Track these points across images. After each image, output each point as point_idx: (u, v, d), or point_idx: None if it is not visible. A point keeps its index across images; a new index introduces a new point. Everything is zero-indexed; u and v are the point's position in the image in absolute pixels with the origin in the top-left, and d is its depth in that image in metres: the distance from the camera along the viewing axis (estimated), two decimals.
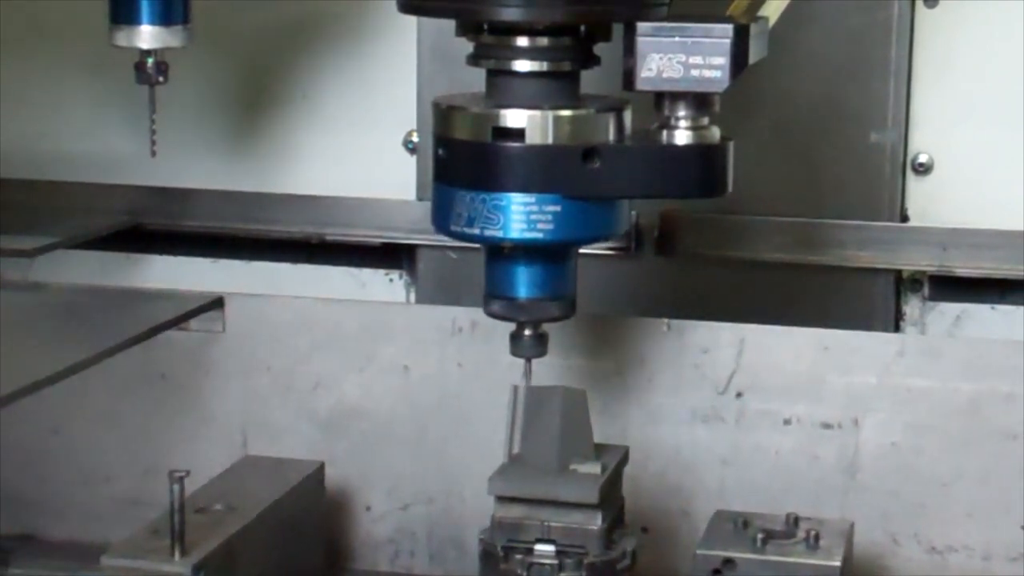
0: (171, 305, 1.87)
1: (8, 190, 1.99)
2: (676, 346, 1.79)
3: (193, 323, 1.88)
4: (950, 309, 1.88)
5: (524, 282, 1.53)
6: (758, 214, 1.86)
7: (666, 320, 1.78)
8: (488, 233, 1.48)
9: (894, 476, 1.76)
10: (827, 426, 1.77)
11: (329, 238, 1.99)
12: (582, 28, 1.47)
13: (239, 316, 1.89)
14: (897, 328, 1.87)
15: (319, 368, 1.87)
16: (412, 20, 1.82)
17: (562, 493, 1.53)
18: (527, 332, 1.55)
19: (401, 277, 2.00)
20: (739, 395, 1.78)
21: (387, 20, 1.89)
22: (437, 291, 1.94)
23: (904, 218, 1.86)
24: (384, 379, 1.86)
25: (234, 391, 1.90)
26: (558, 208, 1.47)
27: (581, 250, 1.56)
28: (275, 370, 1.89)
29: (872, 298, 1.87)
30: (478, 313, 1.72)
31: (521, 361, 1.56)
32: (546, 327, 1.56)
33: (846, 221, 1.85)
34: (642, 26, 1.42)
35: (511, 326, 1.55)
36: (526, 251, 1.51)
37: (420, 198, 1.92)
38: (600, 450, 1.58)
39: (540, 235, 1.47)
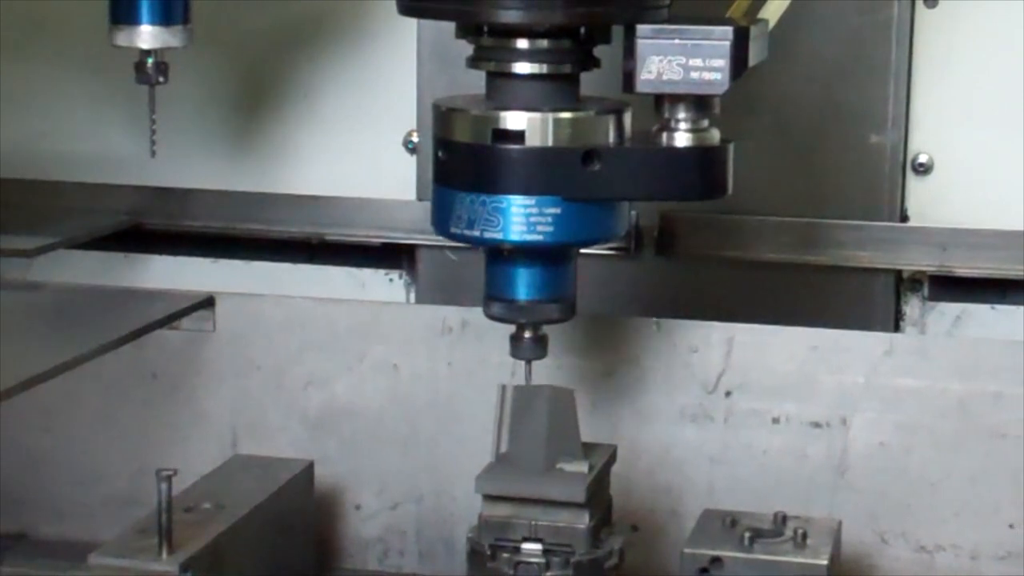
0: (162, 304, 1.87)
1: (8, 190, 1.99)
2: (666, 345, 1.79)
3: (184, 322, 1.88)
4: (950, 309, 1.88)
5: (524, 284, 1.53)
6: (758, 214, 1.86)
7: (655, 319, 1.78)
8: (488, 235, 1.48)
9: (883, 475, 1.76)
10: (816, 425, 1.77)
11: (329, 238, 1.99)
12: (582, 30, 1.47)
13: (230, 315, 1.89)
14: (897, 328, 1.87)
15: (309, 367, 1.88)
16: (412, 21, 1.82)
17: (549, 492, 1.53)
18: (527, 334, 1.55)
19: (401, 277, 2.00)
20: (728, 394, 1.78)
21: (387, 20, 1.89)
22: (437, 291, 1.94)
23: (904, 218, 1.86)
24: (374, 378, 1.86)
25: (225, 390, 1.90)
26: (558, 210, 1.47)
27: (581, 251, 1.56)
28: (265, 369, 1.89)
29: (872, 298, 1.88)
30: (468, 312, 1.74)
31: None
32: (542, 328, 1.56)
33: (846, 221, 1.85)
34: (642, 28, 1.43)
35: (501, 326, 1.55)
36: (526, 253, 1.51)
37: (420, 198, 1.93)
38: (588, 449, 1.58)
39: (540, 237, 1.47)
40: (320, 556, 1.84)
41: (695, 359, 1.78)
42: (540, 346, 1.56)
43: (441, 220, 1.51)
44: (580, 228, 1.49)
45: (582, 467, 1.55)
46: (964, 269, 1.85)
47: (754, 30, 1.44)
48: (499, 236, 1.48)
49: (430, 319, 1.84)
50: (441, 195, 1.51)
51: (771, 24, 1.50)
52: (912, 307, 1.89)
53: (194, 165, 2.00)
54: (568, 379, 1.73)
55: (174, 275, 2.02)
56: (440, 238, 1.54)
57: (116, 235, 2.01)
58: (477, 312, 1.74)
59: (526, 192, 1.46)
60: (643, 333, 1.78)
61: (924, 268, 1.86)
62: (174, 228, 2.02)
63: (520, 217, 1.47)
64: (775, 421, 1.78)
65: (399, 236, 1.96)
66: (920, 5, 1.82)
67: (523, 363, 1.57)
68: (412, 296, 1.98)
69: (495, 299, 1.54)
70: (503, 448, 1.58)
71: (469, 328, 1.82)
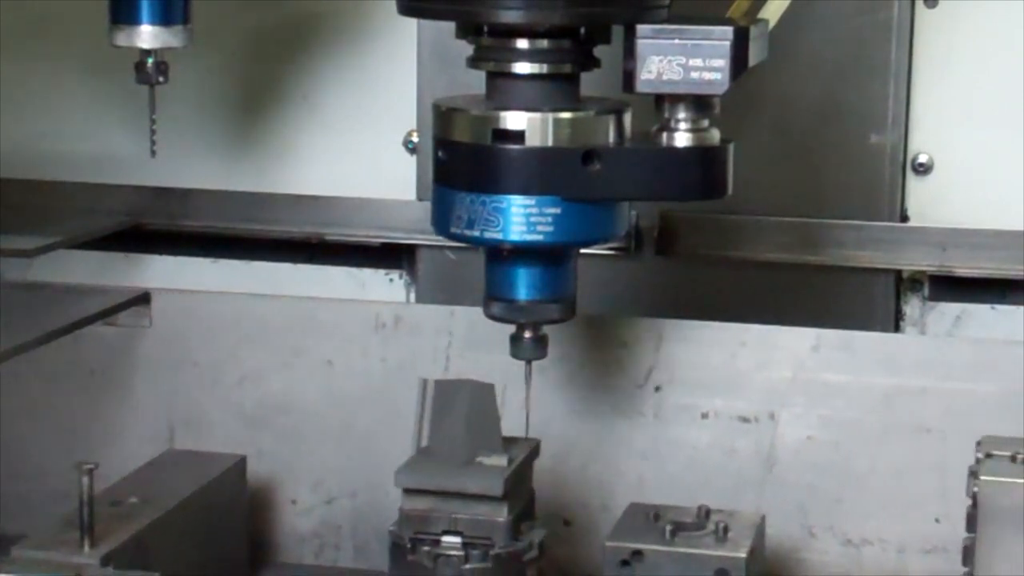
0: (99, 300, 1.89)
1: (8, 190, 1.99)
2: (597, 340, 1.79)
3: (121, 318, 1.90)
4: (950, 309, 1.88)
5: (524, 284, 1.53)
6: (758, 214, 1.86)
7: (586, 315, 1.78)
8: (488, 235, 1.48)
9: (810, 470, 1.78)
10: (744, 420, 1.78)
11: (329, 238, 1.99)
12: (582, 30, 1.47)
13: (166, 311, 1.91)
14: (897, 328, 1.87)
15: (245, 363, 1.89)
16: (412, 21, 1.82)
17: (468, 485, 1.54)
18: (527, 334, 1.55)
19: (401, 277, 2.00)
20: (658, 389, 1.79)
21: (387, 20, 1.88)
22: (437, 291, 1.94)
23: (904, 218, 1.86)
24: (310, 374, 1.88)
25: (161, 386, 1.92)
26: (558, 210, 1.47)
27: (581, 251, 1.56)
28: (202, 365, 1.90)
29: (872, 298, 1.88)
30: (401, 308, 1.78)
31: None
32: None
33: (846, 221, 1.85)
34: (642, 28, 1.43)
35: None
36: (526, 253, 1.51)
37: (420, 198, 1.92)
38: (509, 443, 1.59)
39: (540, 237, 1.47)
40: (256, 551, 1.86)
41: (625, 354, 1.79)
42: (540, 346, 1.56)
43: (441, 220, 1.51)
44: (580, 228, 1.49)
45: (501, 461, 1.56)
46: (964, 269, 1.85)
47: (754, 30, 1.44)
48: (499, 236, 1.48)
49: (364, 314, 1.86)
50: (441, 195, 1.51)
51: (771, 24, 1.50)
52: (912, 307, 1.89)
53: (194, 165, 2.00)
54: (494, 376, 1.73)
55: (174, 275, 2.02)
56: (440, 238, 1.54)
57: (116, 235, 2.01)
58: (410, 308, 1.79)
59: (526, 192, 1.47)
60: (574, 328, 1.78)
61: (924, 268, 1.86)
62: (174, 228, 2.02)
63: (520, 217, 1.47)
64: (704, 416, 1.79)
65: (399, 236, 1.96)
66: (920, 5, 1.82)
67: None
68: (412, 296, 1.98)
69: (495, 299, 1.54)
70: (424, 442, 1.59)
71: (402, 323, 1.84)
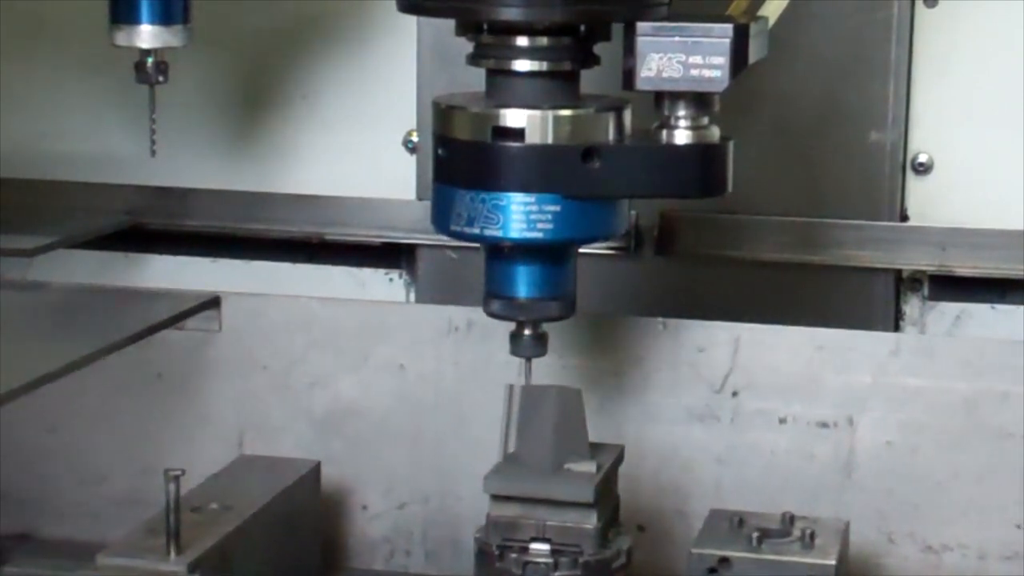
0: (167, 304, 1.87)
1: (8, 190, 1.99)
2: (672, 345, 1.79)
3: (189, 322, 1.88)
4: (950, 309, 1.88)
5: (524, 282, 1.53)
6: (758, 214, 1.86)
7: (661, 319, 1.78)
8: (488, 233, 1.48)
9: (890, 475, 1.76)
10: (823, 425, 1.77)
11: (329, 238, 1.99)
12: (582, 28, 1.47)
13: (235, 315, 1.89)
14: (897, 328, 1.87)
15: (315, 367, 1.87)
16: (412, 20, 1.82)
17: (557, 492, 1.53)
18: (527, 332, 1.55)
19: (401, 277, 2.00)
20: (735, 394, 1.78)
21: (387, 20, 1.89)
22: (437, 291, 1.94)
23: (904, 218, 1.86)
24: (380, 378, 1.86)
25: (230, 390, 1.90)
26: (558, 208, 1.47)
27: (581, 249, 1.56)
28: (271, 369, 1.88)
29: (872, 298, 1.88)
30: (474, 312, 1.73)
31: (517, 360, 1.56)
32: (545, 326, 1.56)
33: (846, 221, 1.85)
34: (642, 26, 1.43)
35: (508, 325, 1.55)
36: (526, 251, 1.51)
37: (420, 198, 1.92)
38: (595, 449, 1.58)
39: (540, 235, 1.47)
40: (326, 556, 1.84)
41: (701, 359, 1.78)
42: (540, 344, 1.56)
43: (441, 218, 1.51)
44: (580, 226, 1.49)
45: (590, 467, 1.55)
46: (964, 269, 1.85)
47: (754, 27, 1.44)
48: (499, 234, 1.48)
49: (436, 319, 1.84)
50: (441, 193, 1.51)
51: (771, 22, 1.50)
52: (912, 307, 1.89)
53: (194, 165, 2.00)
54: (575, 379, 1.73)
55: (174, 275, 2.02)
56: (440, 238, 1.54)
57: (116, 235, 2.01)
58: (482, 312, 1.74)
59: (526, 190, 1.46)
60: (649, 333, 1.78)
61: (924, 268, 1.86)
62: (174, 228, 2.02)
63: (520, 215, 1.47)
64: (782, 421, 1.77)
65: (399, 236, 1.96)
66: (920, 4, 1.82)
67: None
68: (412, 296, 1.98)
69: (495, 297, 1.54)
70: (511, 448, 1.58)
71: (475, 328, 1.82)
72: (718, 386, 1.78)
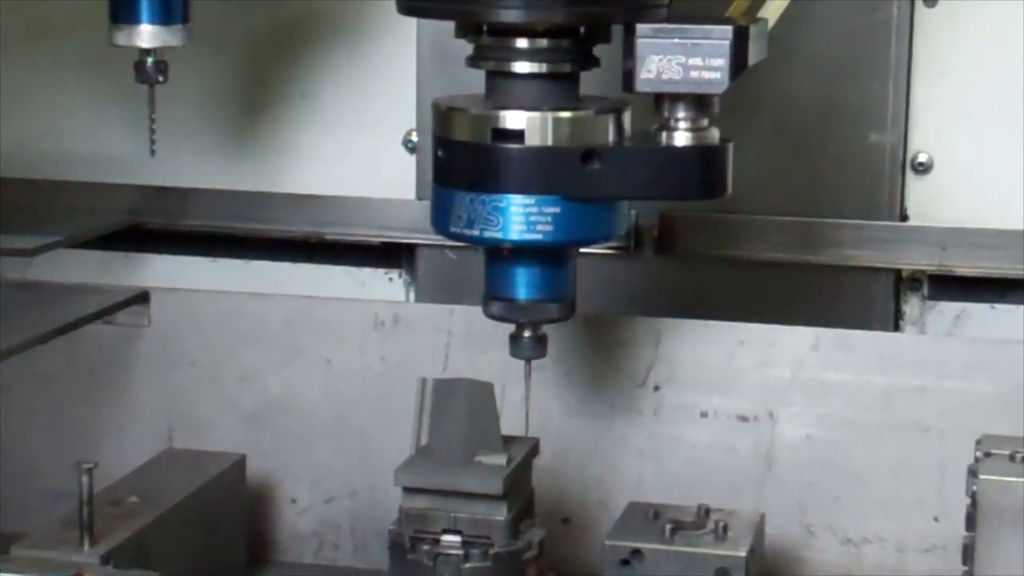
0: (96, 299, 1.89)
1: (8, 190, 1.99)
2: (595, 339, 1.79)
3: (119, 317, 1.89)
4: (950, 308, 1.88)
5: (523, 283, 1.53)
6: (758, 214, 1.86)
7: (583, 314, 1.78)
8: (487, 234, 1.48)
9: (809, 468, 1.77)
10: (743, 419, 1.78)
11: (329, 238, 1.99)
12: (581, 30, 1.47)
13: (165, 310, 1.90)
14: (897, 328, 1.87)
15: (243, 362, 1.89)
16: (412, 20, 1.82)
17: (467, 484, 1.54)
18: (526, 333, 1.55)
19: (401, 276, 2.00)
20: (657, 388, 1.79)
21: (387, 20, 1.88)
22: (436, 291, 1.94)
23: (904, 217, 1.86)
24: (308, 373, 1.88)
25: (160, 385, 1.91)
26: (557, 210, 1.47)
27: (580, 250, 1.56)
28: (200, 364, 1.90)
29: (872, 297, 1.88)
30: (400, 307, 1.77)
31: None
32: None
33: (846, 220, 1.85)
34: (641, 28, 1.43)
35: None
36: (525, 252, 1.51)
37: (420, 198, 1.92)
38: (508, 442, 1.59)
39: (539, 236, 1.47)
40: (255, 549, 1.86)
41: (624, 353, 1.79)
42: (540, 345, 1.56)
43: (441, 219, 1.51)
44: (579, 227, 1.49)
45: (501, 459, 1.56)
46: (964, 268, 1.85)
47: (753, 29, 1.44)
48: (499, 235, 1.48)
49: (363, 313, 1.86)
50: (441, 194, 1.51)
51: (770, 23, 1.50)
52: (912, 306, 1.89)
53: (194, 165, 2.00)
54: (495, 374, 1.73)
55: (174, 275, 2.02)
56: (440, 237, 1.54)
57: (116, 235, 2.01)
58: (409, 307, 1.78)
59: (525, 191, 1.47)
60: (573, 327, 1.78)
61: (924, 267, 1.86)
62: (174, 228, 2.02)
63: (520, 216, 1.47)
64: (703, 415, 1.79)
65: (399, 235, 1.96)
66: (920, 5, 1.82)
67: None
68: (412, 295, 1.98)
69: (495, 298, 1.54)
70: (423, 441, 1.59)
71: (401, 322, 1.83)
72: (640, 380, 1.79)
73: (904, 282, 1.89)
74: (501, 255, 1.52)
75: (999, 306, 1.87)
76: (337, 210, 1.97)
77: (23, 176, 2.02)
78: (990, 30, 1.81)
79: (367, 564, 1.87)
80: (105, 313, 1.87)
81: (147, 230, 2.03)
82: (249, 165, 2.00)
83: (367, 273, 2.01)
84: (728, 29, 1.42)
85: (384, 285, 2.00)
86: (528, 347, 1.56)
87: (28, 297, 1.91)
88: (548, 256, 1.52)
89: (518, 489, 1.58)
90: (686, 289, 1.90)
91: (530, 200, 1.47)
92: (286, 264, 2.02)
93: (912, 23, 1.82)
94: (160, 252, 2.05)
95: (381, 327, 1.85)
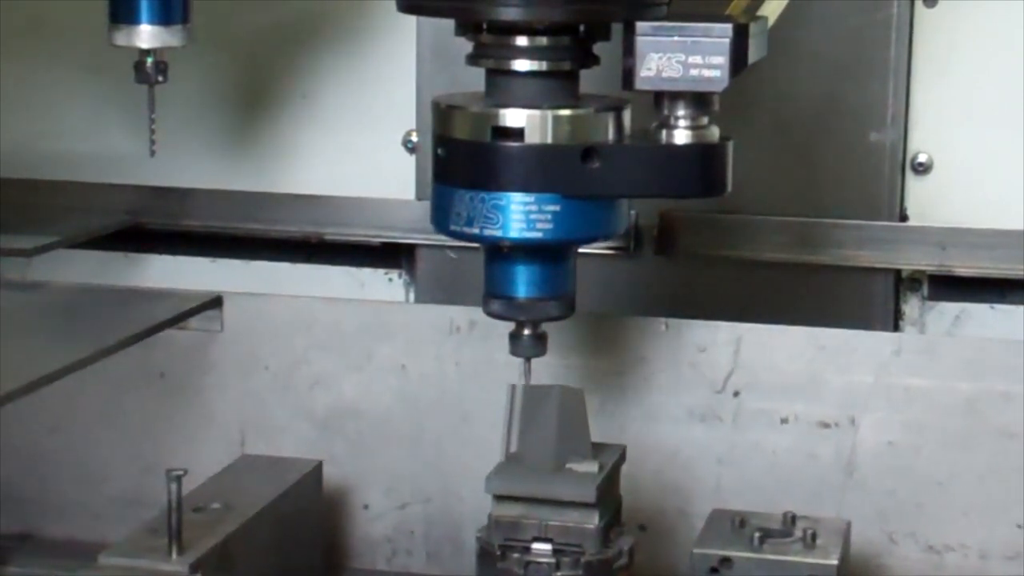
0: (170, 304, 1.87)
1: (8, 190, 1.99)
2: (674, 345, 1.79)
3: (192, 322, 1.88)
4: (949, 309, 1.88)
5: (523, 282, 1.53)
6: (758, 214, 1.86)
7: (664, 319, 1.78)
8: (487, 233, 1.48)
9: (891, 475, 1.76)
10: (824, 425, 1.77)
11: (329, 238, 1.99)
12: (581, 28, 1.47)
13: (238, 315, 1.89)
14: (896, 328, 1.87)
15: (317, 367, 1.87)
16: (412, 20, 1.82)
17: (559, 492, 1.53)
18: (526, 332, 1.55)
19: (400, 277, 2.00)
20: (736, 394, 1.78)
21: (387, 20, 1.89)
22: (436, 291, 1.94)
23: (903, 217, 1.86)
24: (382, 378, 1.86)
25: (232, 390, 1.90)
26: (557, 208, 1.47)
27: (580, 249, 1.55)
28: (273, 369, 1.88)
29: (871, 298, 1.88)
30: (476, 312, 1.72)
31: (519, 360, 1.56)
32: (545, 326, 1.55)
33: (845, 220, 1.85)
34: (641, 26, 1.42)
35: (509, 325, 1.55)
36: (525, 251, 1.51)
37: (420, 198, 1.92)
38: (597, 449, 1.58)
39: (539, 235, 1.47)
40: (328, 556, 1.84)
41: (703, 359, 1.78)
42: (540, 344, 1.55)
43: (440, 218, 1.51)
44: (579, 225, 1.48)
45: (592, 467, 1.55)
46: (963, 269, 1.85)
47: (753, 27, 1.44)
48: (498, 233, 1.47)
49: (437, 319, 1.84)
50: (441, 193, 1.51)
51: (770, 22, 1.50)
52: (912, 307, 1.89)
53: (194, 165, 2.00)
54: (577, 379, 1.73)
55: (174, 275, 2.02)
56: (440, 238, 1.54)
57: (116, 235, 2.01)
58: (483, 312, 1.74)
59: (525, 189, 1.46)
60: (651, 333, 1.78)
61: (923, 268, 1.86)
62: (174, 228, 2.02)
63: (519, 214, 1.47)
64: (783, 421, 1.77)
65: (398, 236, 1.96)
66: (920, 5, 1.82)
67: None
68: (411, 295, 1.98)
69: (494, 297, 1.54)
70: (513, 448, 1.58)
71: (477, 328, 1.82)
72: (720, 386, 1.78)
73: (904, 282, 1.89)
74: (501, 253, 1.52)
75: (999, 306, 1.87)
76: (337, 210, 1.97)
77: (22, 176, 2.01)
78: (990, 30, 1.81)
79: (440, 571, 1.86)
80: (180, 319, 1.86)
81: (147, 230, 2.03)
82: (249, 165, 2.00)
83: (367, 273, 2.01)
84: (728, 27, 1.42)
85: (384, 285, 2.00)
86: (528, 345, 1.55)
87: (98, 301, 1.90)
88: (548, 254, 1.52)
89: (608, 496, 1.56)
90: (686, 289, 1.89)
91: (530, 198, 1.46)
92: (286, 264, 2.03)
93: (912, 23, 1.82)
94: (160, 252, 2.05)
95: (456, 332, 1.83)
